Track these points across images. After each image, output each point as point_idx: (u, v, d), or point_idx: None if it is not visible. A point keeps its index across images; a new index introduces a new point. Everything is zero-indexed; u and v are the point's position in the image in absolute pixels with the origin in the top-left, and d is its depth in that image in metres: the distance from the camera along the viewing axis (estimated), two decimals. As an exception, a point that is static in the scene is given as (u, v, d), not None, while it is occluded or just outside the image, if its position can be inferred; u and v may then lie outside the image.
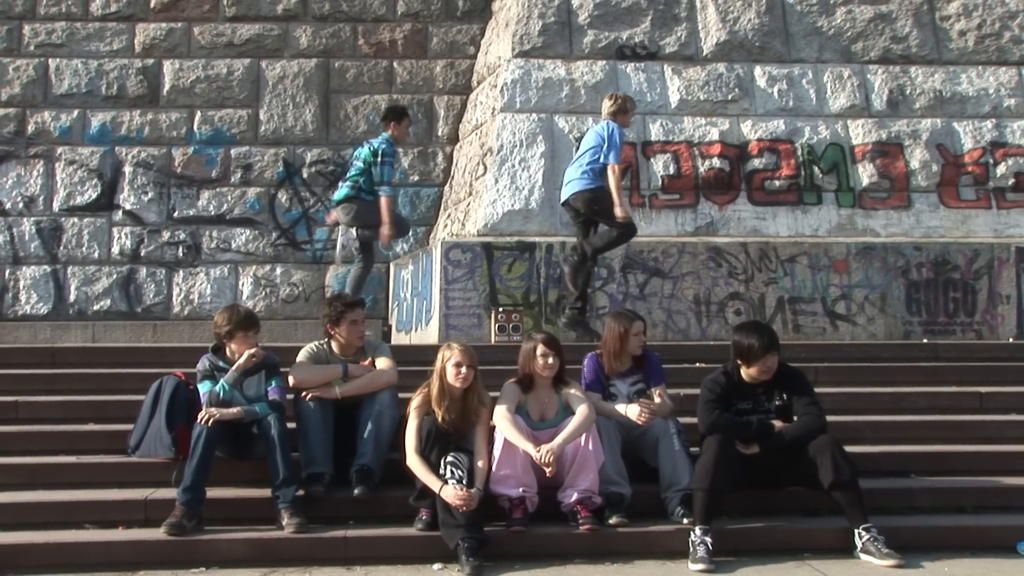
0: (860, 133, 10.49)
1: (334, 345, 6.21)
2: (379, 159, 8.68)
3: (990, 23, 11.07)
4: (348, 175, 8.95)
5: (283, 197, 11.75)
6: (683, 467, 5.68)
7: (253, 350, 5.92)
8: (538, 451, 5.47)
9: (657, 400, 5.95)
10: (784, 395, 5.80)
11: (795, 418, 5.76)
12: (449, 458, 5.42)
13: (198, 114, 11.82)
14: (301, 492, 5.69)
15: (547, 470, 5.46)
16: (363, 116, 11.86)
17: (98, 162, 11.67)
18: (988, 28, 11.05)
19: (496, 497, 5.54)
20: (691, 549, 5.33)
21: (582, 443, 5.56)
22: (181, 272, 11.54)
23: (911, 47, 10.92)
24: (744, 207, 10.15)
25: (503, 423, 5.59)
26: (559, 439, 5.54)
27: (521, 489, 5.52)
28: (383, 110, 9.43)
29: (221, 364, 5.99)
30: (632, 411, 5.86)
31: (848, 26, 10.92)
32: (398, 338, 10.21)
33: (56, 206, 11.60)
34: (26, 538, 5.48)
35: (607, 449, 5.66)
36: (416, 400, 5.68)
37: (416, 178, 11.90)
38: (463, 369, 5.59)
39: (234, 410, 5.80)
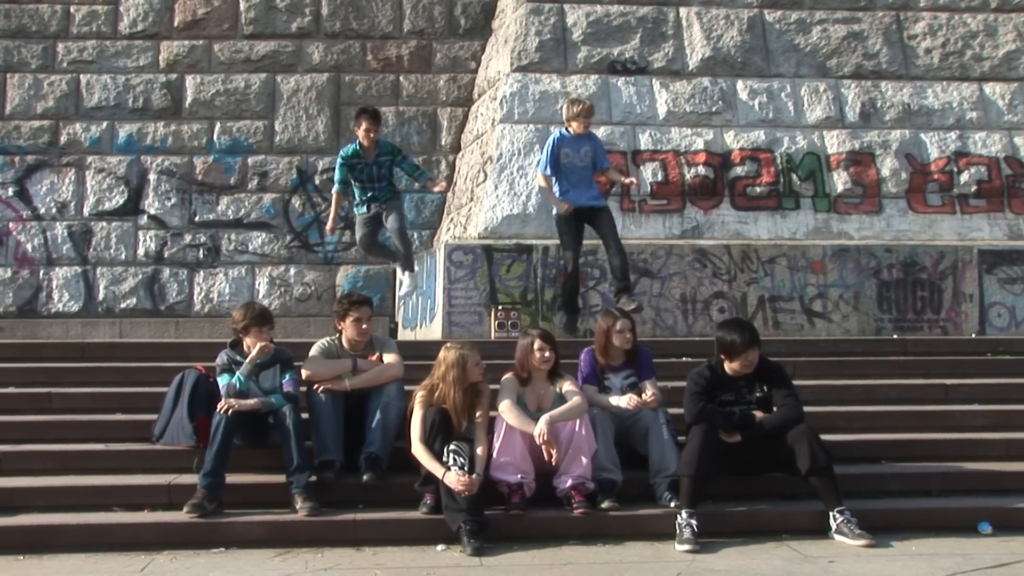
0: (835, 143, 10.48)
1: (344, 341, 6.20)
2: (400, 157, 8.59)
3: (953, 42, 11.06)
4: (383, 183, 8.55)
5: (297, 202, 11.73)
6: (670, 455, 5.68)
7: (264, 343, 5.91)
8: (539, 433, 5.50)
9: (648, 395, 5.93)
10: (764, 387, 5.80)
11: (775, 409, 5.75)
12: (452, 446, 5.42)
13: (218, 125, 11.80)
14: (314, 478, 5.69)
15: (545, 450, 5.45)
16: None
17: (125, 170, 11.66)
18: (952, 46, 11.04)
19: (496, 483, 5.54)
20: (678, 531, 5.32)
21: (576, 431, 5.56)
22: (202, 272, 11.53)
23: (881, 63, 10.91)
24: (727, 212, 10.13)
25: (509, 414, 5.58)
26: (551, 413, 5.57)
27: (519, 475, 5.51)
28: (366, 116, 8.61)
29: (238, 358, 5.98)
30: (623, 401, 5.88)
31: (823, 43, 10.91)
32: (404, 334, 10.20)
33: (86, 211, 11.59)
34: (59, 519, 5.49)
35: (601, 438, 5.65)
36: (421, 393, 5.68)
37: (421, 184, 11.85)
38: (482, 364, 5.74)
39: (251, 401, 5.80)
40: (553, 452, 5.49)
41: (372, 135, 8.31)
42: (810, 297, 9.34)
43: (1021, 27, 11.15)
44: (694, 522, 5.32)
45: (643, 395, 5.91)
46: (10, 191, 11.58)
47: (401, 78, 12.10)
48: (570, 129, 8.13)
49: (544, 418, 5.53)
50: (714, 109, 10.53)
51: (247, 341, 6.00)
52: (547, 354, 5.79)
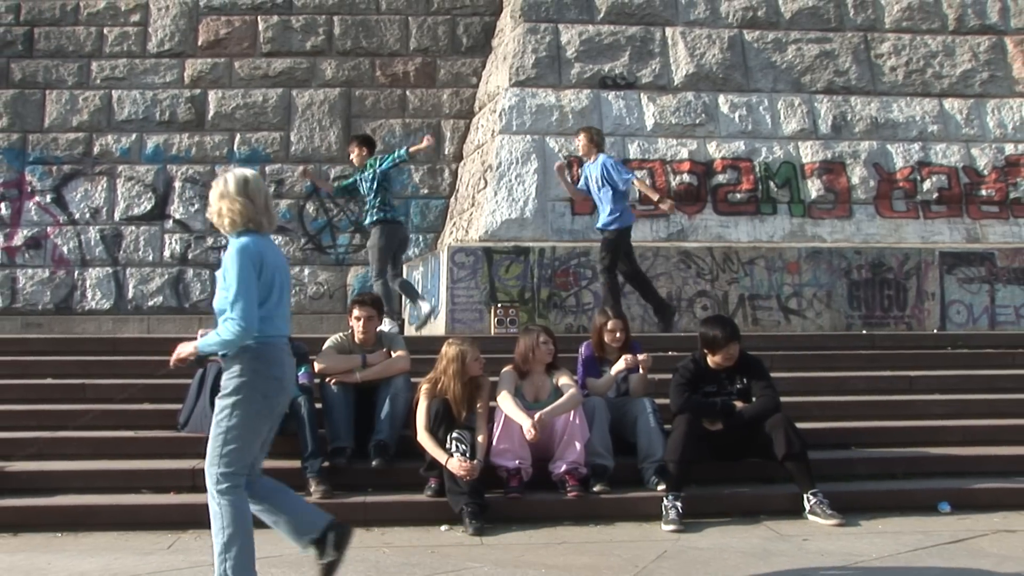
0: (809, 153, 10.48)
1: (355, 336, 6.20)
2: (381, 160, 8.71)
3: (915, 61, 11.07)
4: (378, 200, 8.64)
5: (310, 208, 11.73)
6: (657, 442, 5.68)
7: None
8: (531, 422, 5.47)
9: (642, 356, 5.98)
10: (744, 379, 5.79)
11: (754, 399, 5.75)
12: (454, 434, 5.41)
13: (238, 136, 11.80)
14: (327, 463, 5.69)
15: (529, 434, 5.41)
16: (380, 137, 11.81)
17: (153, 178, 11.66)
18: (914, 65, 11.05)
19: (495, 468, 5.53)
20: (664, 512, 5.32)
21: (571, 420, 5.56)
22: (223, 273, 11.51)
23: (851, 80, 10.92)
24: (710, 216, 10.14)
25: (507, 405, 5.57)
26: (547, 409, 5.55)
27: (517, 461, 5.50)
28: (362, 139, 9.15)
29: (258, 352, 5.96)
30: (619, 364, 5.94)
31: (798, 61, 10.91)
32: (410, 330, 10.18)
33: (117, 216, 11.59)
34: (93, 500, 5.50)
35: (596, 425, 5.65)
36: (425, 385, 5.68)
37: (425, 191, 11.89)
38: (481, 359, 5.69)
39: (269, 393, 5.78)
40: (532, 434, 5.43)
41: (356, 161, 8.85)
42: (786, 296, 9.34)
43: (976, 48, 11.17)
44: (679, 504, 5.32)
45: (633, 359, 5.93)
46: (48, 198, 11.59)
47: (407, 92, 12.09)
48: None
49: (536, 416, 5.47)
50: (697, 121, 10.53)
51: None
52: (551, 346, 5.83)
